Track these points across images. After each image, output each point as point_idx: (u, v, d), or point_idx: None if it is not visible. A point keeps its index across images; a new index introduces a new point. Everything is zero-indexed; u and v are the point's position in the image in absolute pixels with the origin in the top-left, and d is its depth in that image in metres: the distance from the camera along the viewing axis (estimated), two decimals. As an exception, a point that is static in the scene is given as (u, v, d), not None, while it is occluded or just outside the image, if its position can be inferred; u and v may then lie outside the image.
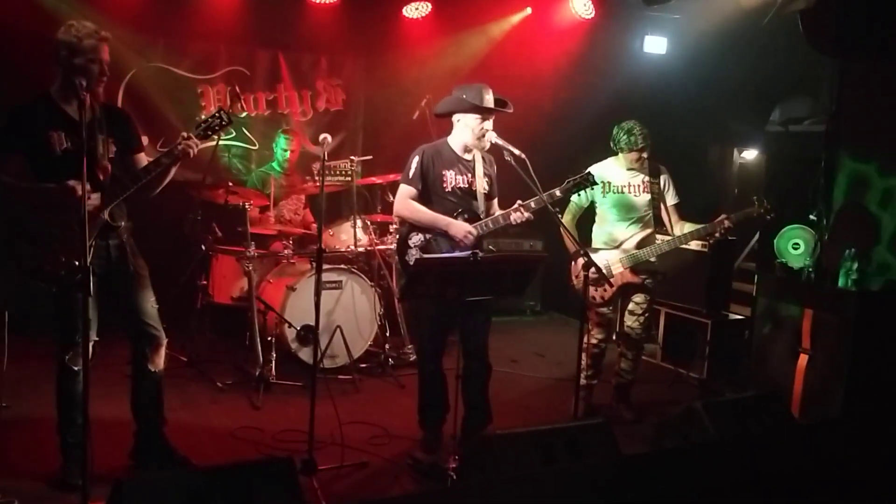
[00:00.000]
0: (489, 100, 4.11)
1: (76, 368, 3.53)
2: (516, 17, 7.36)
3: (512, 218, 4.11)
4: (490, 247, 6.74)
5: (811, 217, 5.35)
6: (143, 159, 3.74)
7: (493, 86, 4.21)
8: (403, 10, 7.02)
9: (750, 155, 7.59)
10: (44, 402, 4.34)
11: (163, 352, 3.81)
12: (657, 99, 7.50)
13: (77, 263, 3.36)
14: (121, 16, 5.93)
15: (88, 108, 3.44)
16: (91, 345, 3.55)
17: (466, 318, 4.11)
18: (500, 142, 4.10)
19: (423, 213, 4.14)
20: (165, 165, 3.60)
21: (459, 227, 4.09)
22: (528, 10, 7.33)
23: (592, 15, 7.28)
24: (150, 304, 3.77)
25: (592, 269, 3.89)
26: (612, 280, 4.70)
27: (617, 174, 4.83)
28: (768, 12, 5.87)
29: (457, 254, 3.92)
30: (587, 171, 4.27)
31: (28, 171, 3.46)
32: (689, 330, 5.96)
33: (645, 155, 4.77)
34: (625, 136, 4.72)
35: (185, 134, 3.62)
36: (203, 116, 3.74)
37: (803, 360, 4.82)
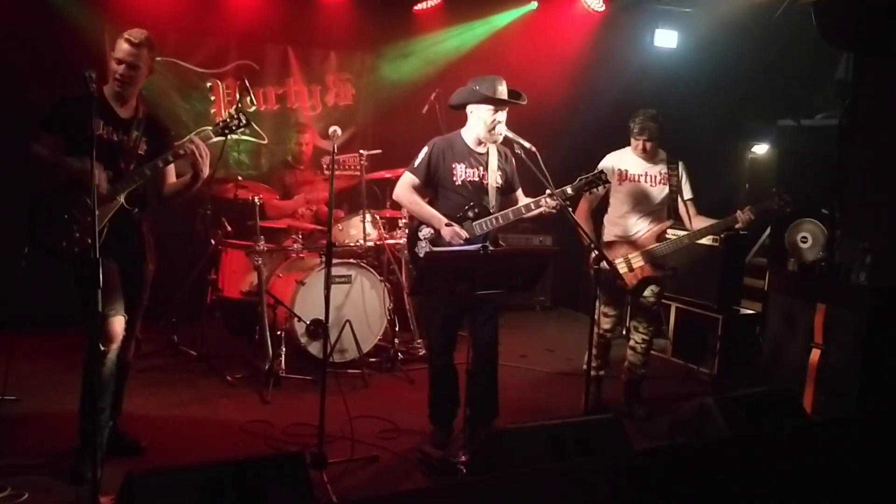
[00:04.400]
0: (503, 91, 4.08)
1: (103, 349, 3.56)
2: (521, 11, 7.35)
3: (538, 209, 4.08)
4: (500, 242, 6.75)
5: (824, 211, 5.31)
6: (171, 170, 3.90)
7: (503, 79, 4.18)
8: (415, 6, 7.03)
9: (761, 149, 7.53)
10: (54, 396, 4.38)
11: (133, 342, 3.92)
12: (668, 93, 7.46)
13: (90, 241, 3.47)
14: (131, 10, 5.94)
15: (133, 108, 3.81)
16: (119, 320, 3.65)
17: (475, 313, 4.10)
18: (511, 135, 4.09)
19: (419, 206, 4.14)
20: (177, 158, 3.75)
21: (449, 233, 4.05)
22: (534, 5, 7.31)
23: (603, 8, 7.26)
24: (143, 299, 3.89)
25: (604, 264, 3.89)
26: (634, 274, 4.68)
27: (633, 163, 4.76)
28: (781, 5, 5.83)
29: (467, 247, 3.91)
30: (599, 168, 4.24)
31: (63, 149, 3.64)
32: (701, 325, 5.93)
33: (649, 146, 4.70)
34: (631, 125, 4.72)
35: (191, 138, 3.78)
36: (224, 114, 3.87)
37: (816, 355, 4.79)
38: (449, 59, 7.30)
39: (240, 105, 3.94)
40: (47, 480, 3.60)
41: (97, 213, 3.49)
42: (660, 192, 4.74)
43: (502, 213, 4.14)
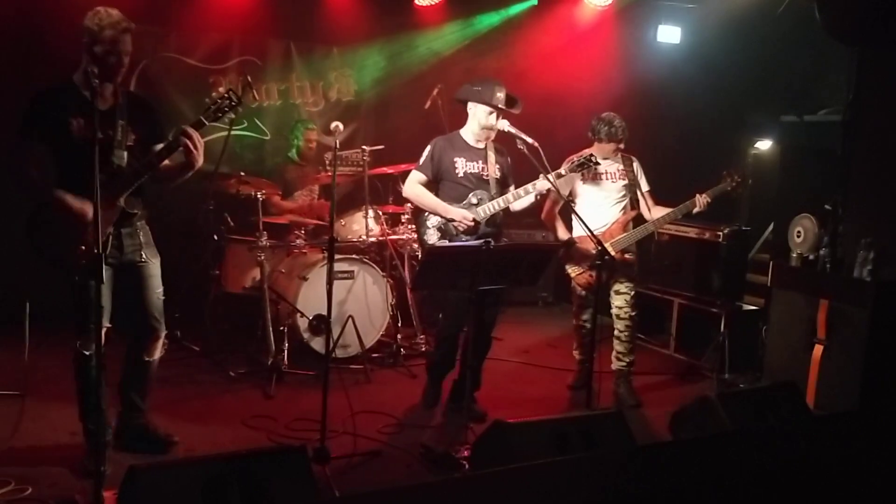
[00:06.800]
0: (500, 98, 4.38)
1: (87, 353, 3.55)
2: (523, 7, 7.35)
3: (535, 190, 4.35)
4: (503, 239, 6.75)
5: (827, 207, 5.30)
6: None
7: (505, 76, 4.30)
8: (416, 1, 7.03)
9: (764, 145, 7.52)
10: (59, 391, 4.37)
11: (160, 343, 3.85)
12: (670, 89, 7.47)
13: (95, 252, 3.40)
14: (133, 5, 5.91)
15: (111, 95, 3.54)
16: (104, 331, 3.58)
17: (484, 298, 4.16)
18: (513, 130, 4.28)
19: (426, 197, 4.47)
20: (171, 152, 3.56)
21: (457, 215, 4.36)
22: (535, 1, 7.31)
23: (608, 3, 7.25)
24: (157, 295, 3.78)
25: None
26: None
27: None
28: (784, 0, 5.81)
29: (469, 243, 3.95)
30: (589, 152, 4.54)
31: (50, 157, 3.49)
32: (703, 321, 5.93)
33: (622, 146, 5.00)
34: (605, 128, 4.93)
35: (183, 128, 3.54)
36: (213, 96, 3.69)
37: (818, 350, 4.78)
38: (451, 54, 7.30)
39: (230, 88, 3.75)
40: (51, 474, 3.61)
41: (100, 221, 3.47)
42: (620, 186, 5.02)
43: (503, 196, 4.42)
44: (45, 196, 3.46)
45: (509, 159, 4.62)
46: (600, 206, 4.99)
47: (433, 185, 4.50)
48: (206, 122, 3.60)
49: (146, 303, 3.74)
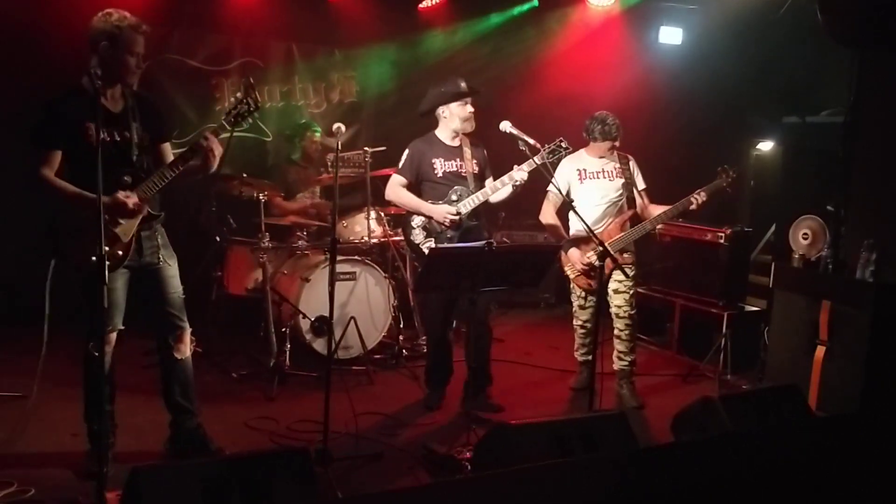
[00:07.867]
0: (464, 86, 4.60)
1: (98, 355, 3.55)
2: (524, 8, 7.35)
3: (511, 181, 4.48)
4: (504, 239, 6.78)
5: (829, 208, 5.30)
6: (169, 149, 3.76)
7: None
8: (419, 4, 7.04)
9: (766, 147, 7.52)
10: (60, 393, 4.38)
11: (188, 340, 3.83)
12: (672, 90, 7.47)
13: (121, 253, 3.46)
14: (135, 6, 5.92)
15: (121, 96, 3.55)
16: (115, 333, 3.63)
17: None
18: (516, 132, 4.29)
19: (408, 198, 4.64)
20: (195, 154, 3.55)
21: (439, 212, 4.53)
22: (536, 2, 7.31)
23: (611, 3, 7.25)
24: (177, 294, 3.79)
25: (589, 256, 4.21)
26: (607, 262, 4.78)
27: (590, 162, 5.03)
28: (785, 1, 5.81)
29: (471, 244, 3.97)
30: (559, 138, 4.53)
31: (63, 163, 3.47)
32: (705, 322, 5.93)
33: (617, 144, 5.00)
34: (599, 126, 4.95)
35: (206, 135, 3.55)
36: (231, 101, 3.68)
37: (820, 352, 4.78)
38: (452, 56, 7.30)
39: (250, 94, 3.72)
40: (53, 476, 3.61)
41: (124, 223, 3.47)
42: (618, 185, 5.02)
43: (481, 191, 4.57)
44: (76, 197, 3.39)
45: (485, 151, 4.77)
46: (597, 205, 4.98)
47: (414, 186, 4.66)
48: (228, 128, 3.60)
49: (167, 303, 3.74)
